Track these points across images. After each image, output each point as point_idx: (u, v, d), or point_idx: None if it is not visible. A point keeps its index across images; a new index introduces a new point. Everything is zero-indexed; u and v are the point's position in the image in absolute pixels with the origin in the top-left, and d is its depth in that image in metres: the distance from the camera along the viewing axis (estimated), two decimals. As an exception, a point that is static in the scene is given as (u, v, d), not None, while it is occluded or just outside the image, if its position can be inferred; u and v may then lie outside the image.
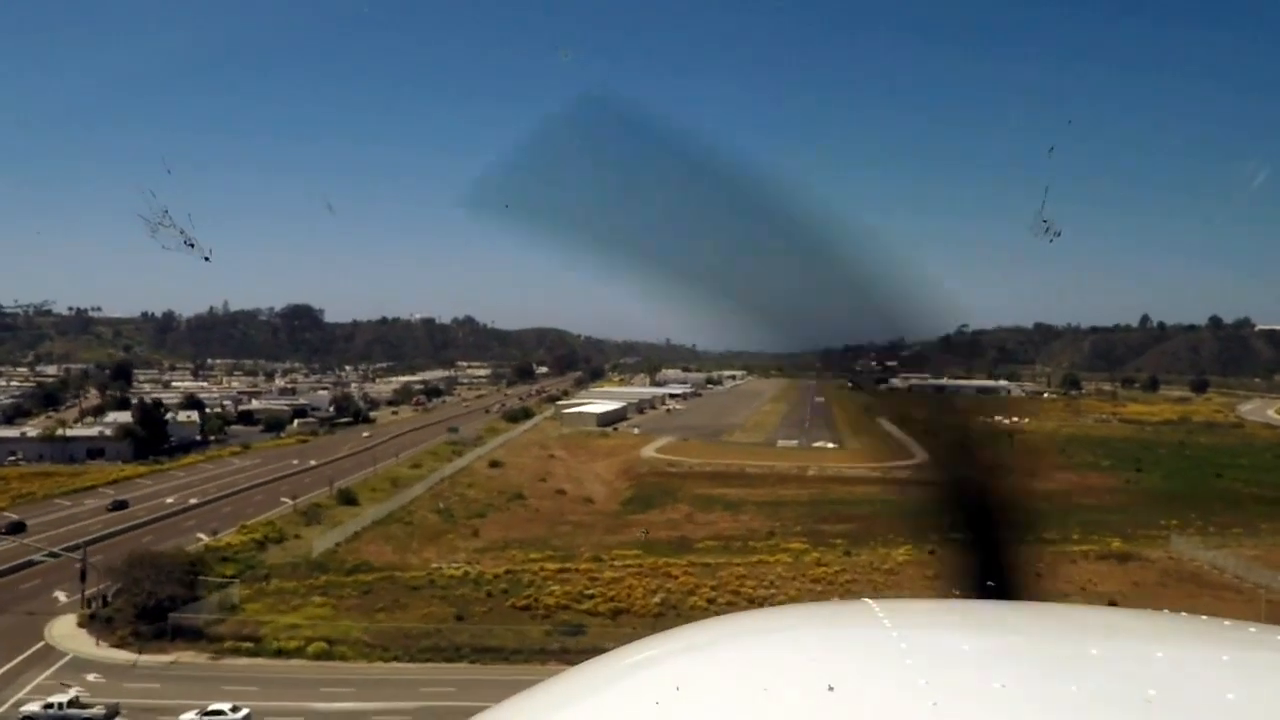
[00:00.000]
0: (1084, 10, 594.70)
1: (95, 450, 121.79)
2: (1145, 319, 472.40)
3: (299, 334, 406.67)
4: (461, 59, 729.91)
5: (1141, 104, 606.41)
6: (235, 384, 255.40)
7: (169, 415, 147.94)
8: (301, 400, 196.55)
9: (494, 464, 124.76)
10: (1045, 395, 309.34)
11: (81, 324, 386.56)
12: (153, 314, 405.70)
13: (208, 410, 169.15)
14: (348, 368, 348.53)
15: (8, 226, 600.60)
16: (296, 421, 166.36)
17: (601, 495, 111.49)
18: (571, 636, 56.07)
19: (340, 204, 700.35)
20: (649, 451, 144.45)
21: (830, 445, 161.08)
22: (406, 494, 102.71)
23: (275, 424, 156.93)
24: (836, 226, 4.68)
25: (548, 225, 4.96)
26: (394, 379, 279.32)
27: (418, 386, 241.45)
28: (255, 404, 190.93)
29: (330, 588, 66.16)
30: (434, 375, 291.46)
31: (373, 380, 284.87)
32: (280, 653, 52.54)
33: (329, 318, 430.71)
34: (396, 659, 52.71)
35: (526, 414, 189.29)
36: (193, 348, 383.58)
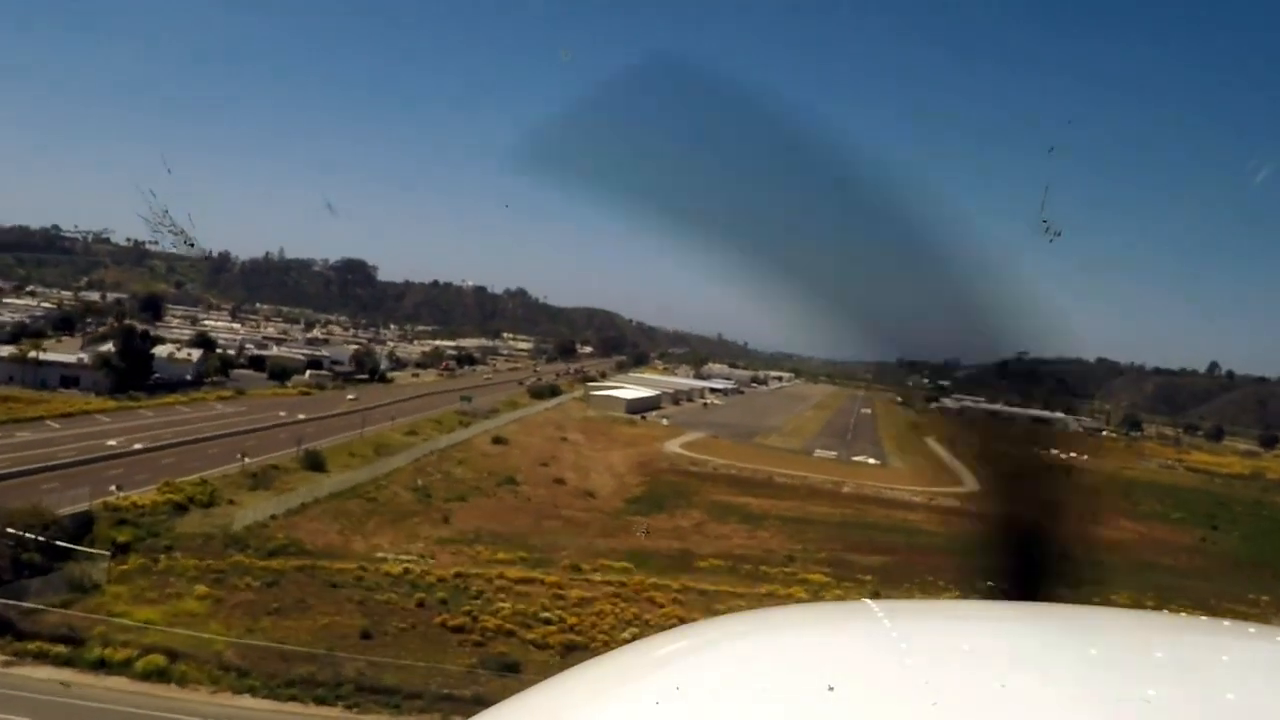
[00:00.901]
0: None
1: (70, 379, 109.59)
2: (1214, 366, 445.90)
3: (350, 288, 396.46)
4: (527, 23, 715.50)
5: (1220, 147, 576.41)
6: (271, 329, 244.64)
7: (169, 351, 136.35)
8: (325, 352, 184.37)
9: (498, 441, 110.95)
10: (1104, 433, 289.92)
11: (137, 255, 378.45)
12: (210, 253, 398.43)
13: (219, 351, 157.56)
14: (392, 326, 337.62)
15: (74, 152, 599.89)
16: (309, 372, 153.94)
17: (607, 490, 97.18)
18: (499, 678, 41.88)
19: (404, 165, 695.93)
20: (673, 446, 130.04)
21: (872, 461, 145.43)
22: (386, 464, 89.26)
23: (282, 372, 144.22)
24: (954, 230, 4.10)
25: (608, 190, 4.43)
26: (435, 342, 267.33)
27: (450, 351, 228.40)
28: (277, 350, 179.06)
29: (230, 573, 52.55)
30: (473, 343, 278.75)
31: (411, 341, 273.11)
32: (100, 665, 38.90)
33: (382, 276, 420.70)
34: (251, 690, 38.74)
35: (554, 391, 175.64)
36: (244, 291, 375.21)
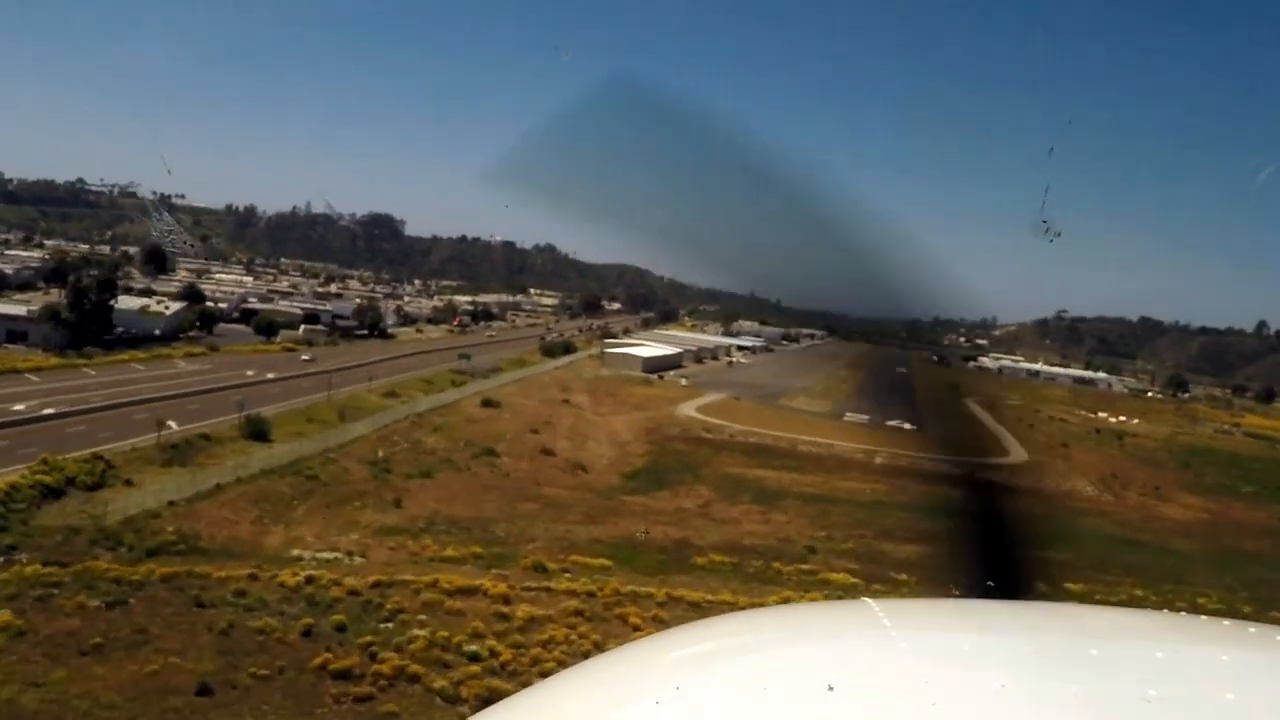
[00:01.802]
0: None
1: (17, 333, 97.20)
2: (1262, 325, 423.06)
3: (377, 243, 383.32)
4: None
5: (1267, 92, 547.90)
6: (284, 282, 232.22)
7: (143, 304, 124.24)
8: (330, 306, 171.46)
9: (488, 403, 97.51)
10: (1150, 394, 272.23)
11: (163, 209, 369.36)
12: (236, 207, 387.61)
13: (210, 305, 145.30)
14: (415, 281, 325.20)
15: (101, 106, 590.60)
16: (304, 327, 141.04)
17: (603, 462, 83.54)
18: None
19: (434, 120, 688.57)
20: (687, 409, 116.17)
21: (908, 426, 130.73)
22: (346, 432, 76.14)
23: (269, 327, 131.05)
24: (847, 205, 4.61)
25: (570, 201, 5.00)
26: (452, 297, 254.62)
27: (466, 306, 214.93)
28: (278, 304, 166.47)
29: (67, 587, 39.50)
30: (494, 298, 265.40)
31: (432, 296, 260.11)
32: None
33: (410, 231, 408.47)
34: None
35: (568, 348, 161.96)
36: (270, 245, 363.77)
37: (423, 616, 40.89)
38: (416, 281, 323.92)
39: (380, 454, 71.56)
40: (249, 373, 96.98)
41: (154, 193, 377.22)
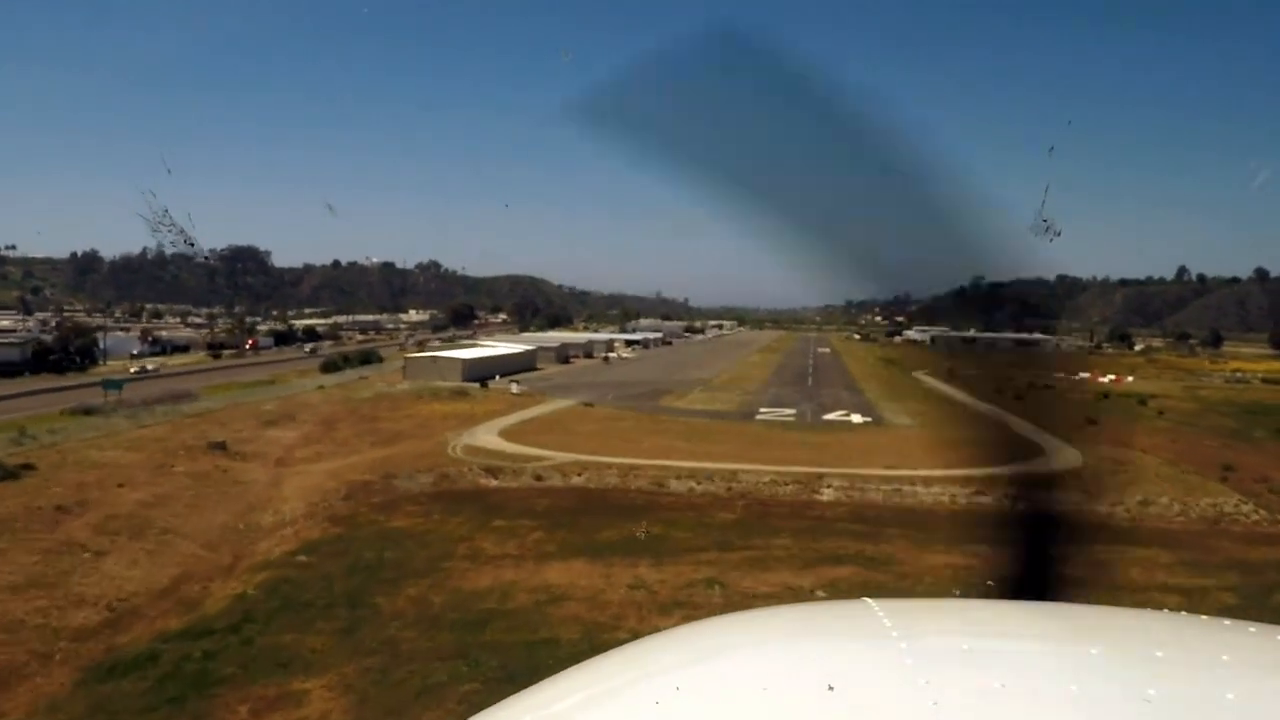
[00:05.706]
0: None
1: None
2: (1182, 271, 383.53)
3: (240, 277, 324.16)
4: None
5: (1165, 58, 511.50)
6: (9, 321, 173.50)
7: None
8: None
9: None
10: (1105, 349, 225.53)
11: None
12: (80, 254, 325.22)
13: None
14: (274, 313, 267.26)
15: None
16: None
17: (81, 624, 29.02)
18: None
19: (305, 142, 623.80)
20: (486, 432, 61.88)
21: (857, 418, 77.76)
22: None
23: None
24: (935, 167, 4.04)
25: (654, 149, 4.30)
26: (325, 321, 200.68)
27: (275, 328, 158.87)
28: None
29: None
30: (357, 319, 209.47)
31: (285, 323, 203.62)
32: None
33: (278, 261, 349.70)
34: None
35: (366, 360, 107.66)
36: (115, 291, 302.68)
37: None
38: (274, 313, 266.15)
39: None
40: None
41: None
